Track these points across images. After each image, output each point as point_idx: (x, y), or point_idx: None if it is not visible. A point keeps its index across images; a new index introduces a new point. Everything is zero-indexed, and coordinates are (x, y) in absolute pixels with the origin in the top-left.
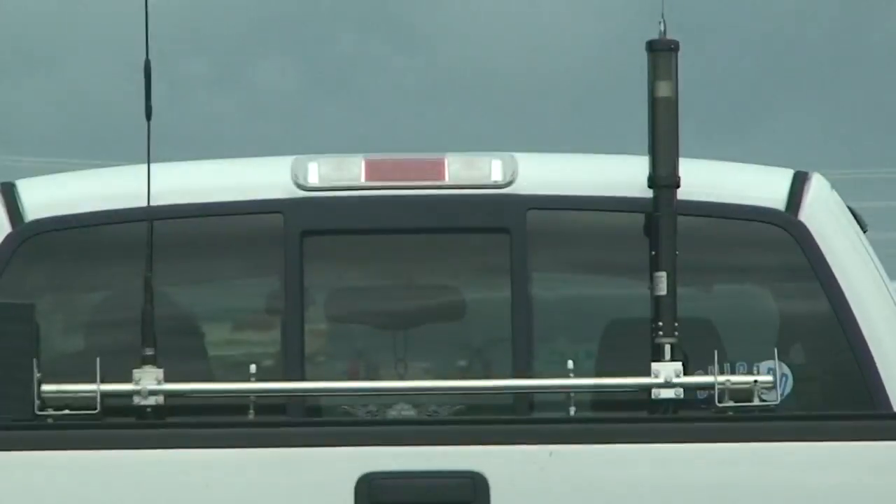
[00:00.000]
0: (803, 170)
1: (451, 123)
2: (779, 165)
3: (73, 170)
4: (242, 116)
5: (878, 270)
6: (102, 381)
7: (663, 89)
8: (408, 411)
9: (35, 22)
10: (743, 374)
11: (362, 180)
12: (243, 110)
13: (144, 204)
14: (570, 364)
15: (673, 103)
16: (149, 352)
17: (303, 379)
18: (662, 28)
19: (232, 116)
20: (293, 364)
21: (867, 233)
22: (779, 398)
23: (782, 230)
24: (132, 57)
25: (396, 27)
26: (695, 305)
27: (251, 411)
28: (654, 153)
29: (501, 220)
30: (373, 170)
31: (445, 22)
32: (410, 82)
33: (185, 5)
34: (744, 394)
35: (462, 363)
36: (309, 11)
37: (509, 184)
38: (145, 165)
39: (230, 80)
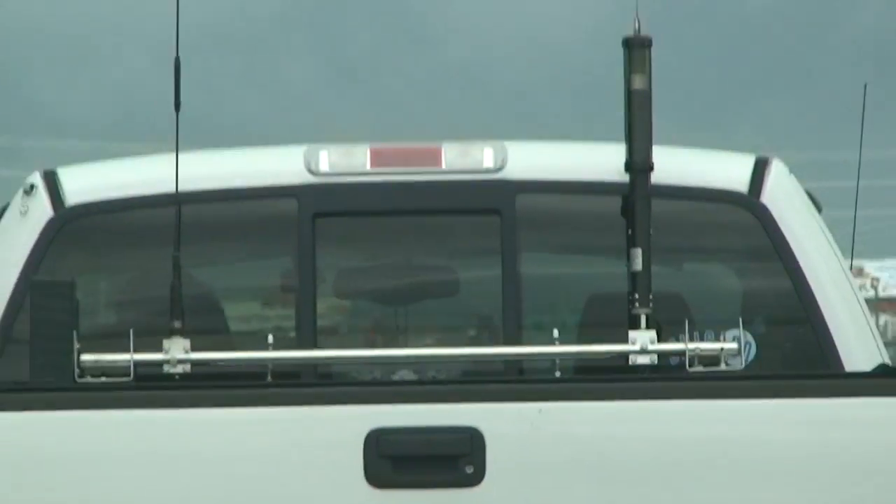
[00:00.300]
0: (764, 155)
1: (453, 114)
2: (743, 150)
3: (113, 154)
4: (264, 109)
5: (831, 247)
6: (135, 352)
7: (638, 82)
8: (409, 377)
9: (85, 22)
10: (711, 341)
11: (367, 167)
12: (265, 103)
13: (173, 190)
14: (556, 333)
15: (647, 95)
16: (177, 324)
17: (315, 348)
18: (637, 26)
19: (255, 109)
20: (307, 335)
21: (822, 212)
22: (743, 363)
23: (746, 211)
24: (165, 54)
25: (408, 27)
26: (667, 281)
27: (269, 378)
28: (629, 141)
29: (492, 202)
30: (377, 157)
31: (451, 22)
32: (419, 77)
33: (214, 6)
34: (711, 359)
35: (458, 334)
36: (329, 11)
37: (500, 169)
38: (174, 154)
39: (255, 75)
